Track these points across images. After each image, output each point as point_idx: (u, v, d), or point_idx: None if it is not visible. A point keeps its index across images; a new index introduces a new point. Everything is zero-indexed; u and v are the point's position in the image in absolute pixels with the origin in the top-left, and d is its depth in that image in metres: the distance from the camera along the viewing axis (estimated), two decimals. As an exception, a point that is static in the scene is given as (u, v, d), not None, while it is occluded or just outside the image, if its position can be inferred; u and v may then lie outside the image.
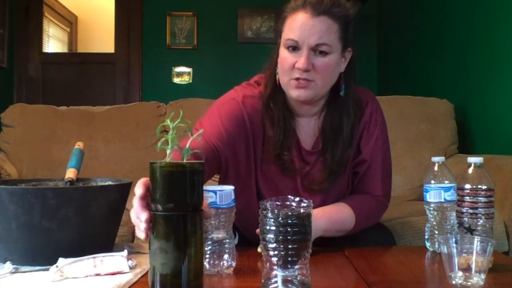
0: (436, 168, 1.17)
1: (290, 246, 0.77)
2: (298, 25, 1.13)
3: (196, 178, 0.76)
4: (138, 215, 0.79)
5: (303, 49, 1.13)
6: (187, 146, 0.79)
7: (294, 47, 1.14)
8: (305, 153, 1.25)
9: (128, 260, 0.98)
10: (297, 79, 1.14)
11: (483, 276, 0.87)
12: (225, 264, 0.96)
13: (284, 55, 1.16)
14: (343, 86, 1.22)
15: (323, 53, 1.14)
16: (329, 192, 1.25)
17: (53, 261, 0.94)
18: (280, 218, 0.77)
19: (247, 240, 1.28)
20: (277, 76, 1.21)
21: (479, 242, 0.88)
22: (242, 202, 1.07)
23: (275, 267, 0.79)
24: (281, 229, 0.76)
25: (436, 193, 1.14)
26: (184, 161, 0.77)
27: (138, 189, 0.80)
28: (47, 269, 0.94)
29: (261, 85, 1.26)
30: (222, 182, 1.29)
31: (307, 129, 1.26)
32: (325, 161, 1.24)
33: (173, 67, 4.00)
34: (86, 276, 0.93)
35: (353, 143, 1.25)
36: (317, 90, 1.17)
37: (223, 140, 1.18)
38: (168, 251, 0.74)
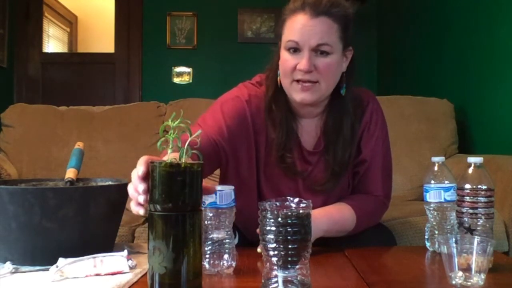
0: (436, 168, 1.17)
1: (290, 246, 0.76)
2: (298, 26, 1.13)
3: (194, 178, 0.76)
4: (136, 187, 0.76)
5: (304, 50, 1.13)
6: (185, 146, 0.79)
7: (295, 49, 1.14)
8: (306, 154, 1.25)
9: (128, 260, 0.98)
10: (299, 81, 1.14)
11: (483, 276, 0.87)
12: (225, 264, 0.96)
13: (285, 57, 1.16)
14: (344, 85, 1.22)
15: (325, 53, 1.13)
16: (331, 192, 1.25)
17: (53, 261, 0.94)
18: (279, 219, 0.77)
19: (247, 240, 1.28)
20: (278, 78, 1.21)
21: (479, 242, 0.88)
22: (242, 202, 1.07)
23: (275, 267, 0.79)
24: (281, 229, 0.76)
25: (436, 193, 1.14)
26: (183, 161, 0.77)
27: (140, 167, 0.77)
28: (47, 269, 0.94)
29: (263, 86, 1.26)
30: (222, 180, 1.29)
31: (309, 130, 1.26)
32: (327, 162, 1.24)
33: (173, 67, 4.00)
34: (86, 276, 0.93)
35: (354, 142, 1.25)
36: (321, 92, 1.16)
37: (224, 136, 1.19)
38: (166, 251, 0.74)
